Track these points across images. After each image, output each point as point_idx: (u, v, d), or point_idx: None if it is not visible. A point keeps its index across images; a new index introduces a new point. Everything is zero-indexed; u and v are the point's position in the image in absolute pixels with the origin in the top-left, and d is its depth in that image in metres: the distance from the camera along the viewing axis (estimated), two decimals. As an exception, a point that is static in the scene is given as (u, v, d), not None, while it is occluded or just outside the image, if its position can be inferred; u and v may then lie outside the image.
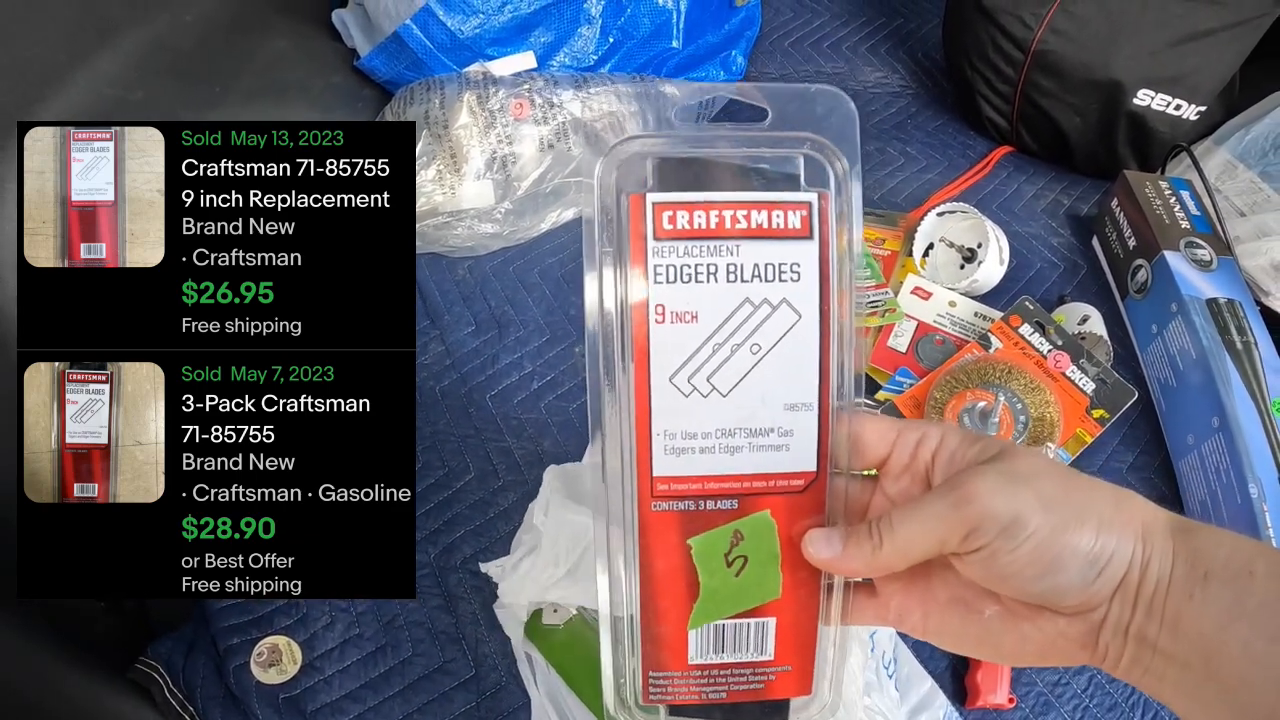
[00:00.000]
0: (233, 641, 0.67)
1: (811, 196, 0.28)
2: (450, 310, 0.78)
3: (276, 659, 0.67)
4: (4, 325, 0.64)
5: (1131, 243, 0.75)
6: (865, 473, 0.31)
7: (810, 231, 0.28)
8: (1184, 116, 0.79)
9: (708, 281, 0.28)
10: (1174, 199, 0.75)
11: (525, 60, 0.78)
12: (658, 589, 0.30)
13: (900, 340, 0.71)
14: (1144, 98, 0.78)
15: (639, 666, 0.31)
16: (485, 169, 0.75)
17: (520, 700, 0.60)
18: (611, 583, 0.31)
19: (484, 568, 0.57)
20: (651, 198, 0.28)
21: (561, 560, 0.51)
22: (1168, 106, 0.79)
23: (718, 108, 0.83)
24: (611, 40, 0.81)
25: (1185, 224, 0.74)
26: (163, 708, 0.65)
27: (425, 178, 0.76)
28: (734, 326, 0.29)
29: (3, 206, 0.69)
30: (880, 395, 0.68)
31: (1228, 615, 0.25)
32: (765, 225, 0.28)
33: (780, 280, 0.28)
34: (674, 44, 0.83)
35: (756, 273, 0.28)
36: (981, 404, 0.66)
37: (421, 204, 0.76)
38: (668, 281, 0.28)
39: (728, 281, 0.28)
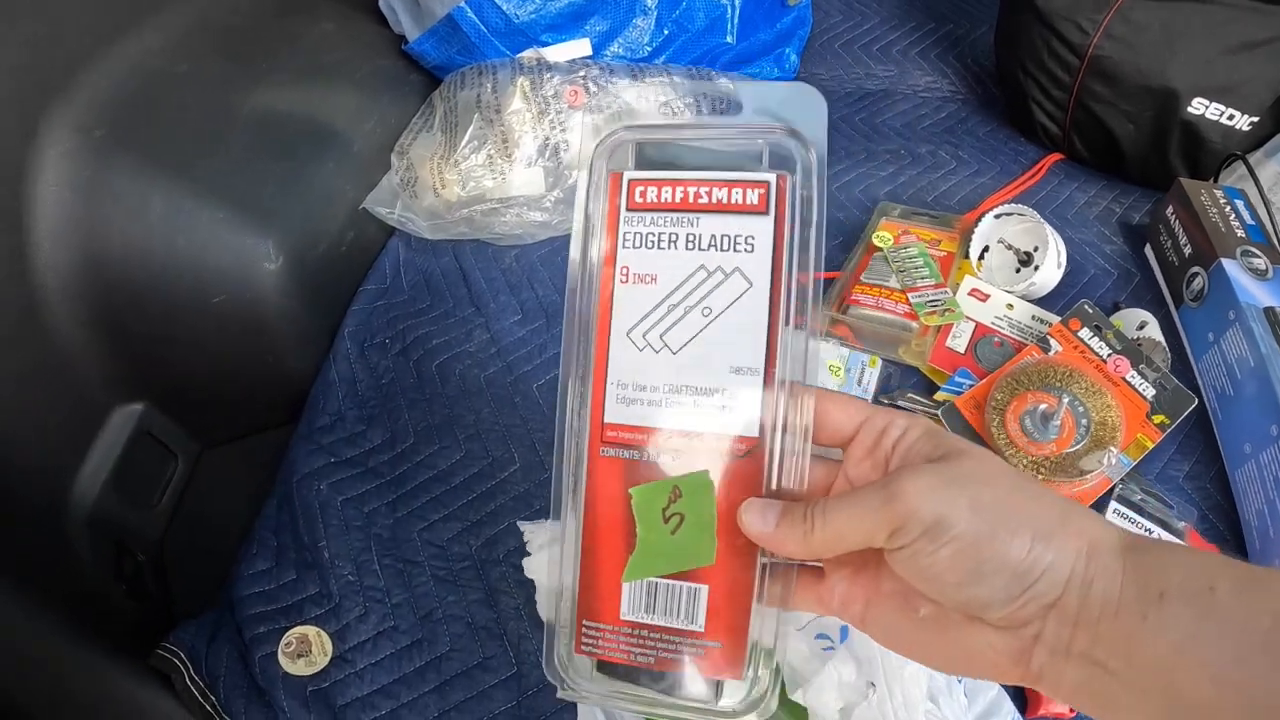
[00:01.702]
0: (259, 630, 0.66)
1: (770, 176, 0.31)
2: (496, 298, 0.77)
3: (305, 650, 0.66)
4: None
5: (1187, 250, 0.76)
6: (830, 455, 0.31)
7: (767, 208, 0.30)
8: (1236, 127, 0.80)
9: (668, 248, 0.31)
10: (1229, 207, 0.76)
11: (581, 47, 0.78)
12: (600, 537, 0.32)
13: (959, 341, 0.71)
14: (1198, 106, 0.80)
15: (575, 615, 0.33)
16: (537, 155, 0.76)
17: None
18: (568, 532, 0.33)
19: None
20: (628, 175, 0.32)
21: None
22: (1221, 116, 0.80)
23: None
24: (666, 33, 0.82)
25: (1240, 232, 0.75)
26: (183, 696, 0.63)
27: (475, 163, 0.76)
28: (689, 290, 0.31)
29: (40, 176, 0.68)
30: (939, 395, 0.68)
31: (1188, 637, 0.24)
32: (725, 201, 0.31)
33: (735, 250, 0.31)
34: (728, 39, 0.84)
35: (713, 243, 0.31)
36: (1043, 406, 0.66)
37: (470, 189, 0.76)
38: (633, 247, 0.32)
39: (686, 249, 0.31)
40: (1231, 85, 0.79)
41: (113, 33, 0.73)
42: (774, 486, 0.30)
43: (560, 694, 0.34)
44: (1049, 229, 0.73)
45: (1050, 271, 0.73)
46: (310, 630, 0.66)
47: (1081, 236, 0.80)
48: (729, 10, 0.83)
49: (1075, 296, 0.76)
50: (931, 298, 0.70)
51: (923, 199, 0.82)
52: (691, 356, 0.31)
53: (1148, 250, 0.81)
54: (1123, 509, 0.64)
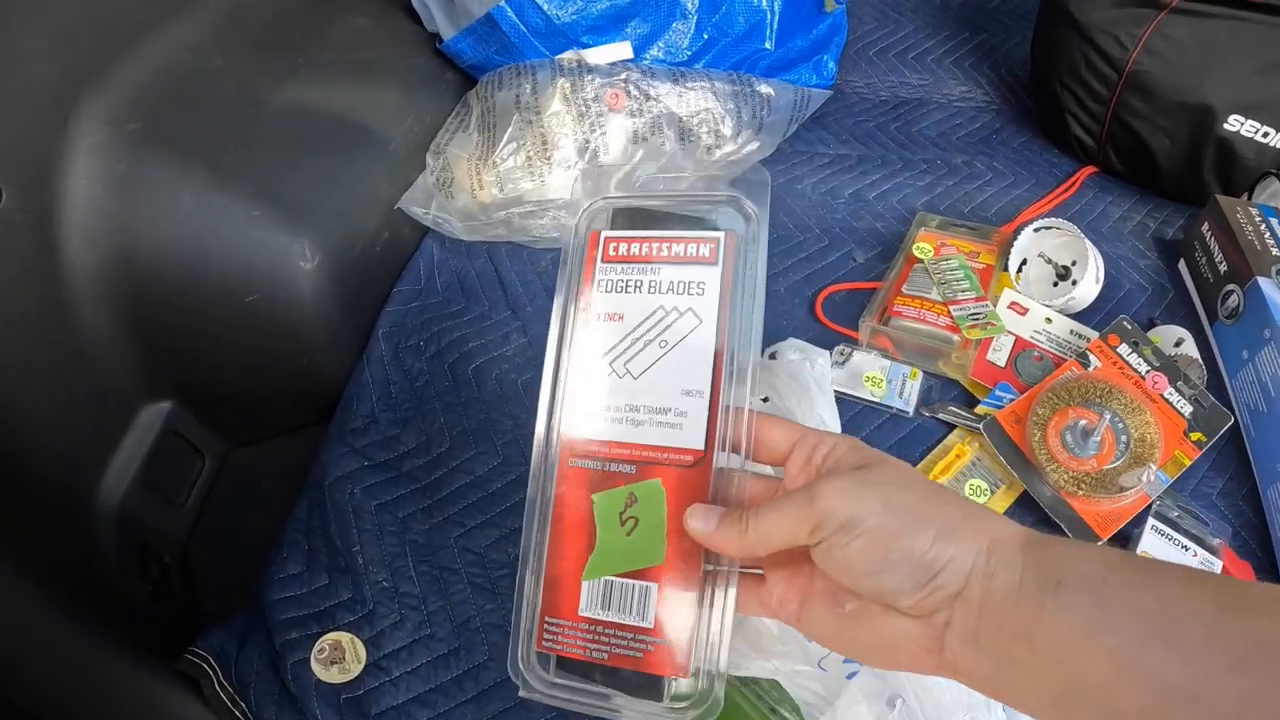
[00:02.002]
0: (291, 636, 0.65)
1: (720, 234, 0.37)
2: (533, 302, 0.77)
3: (339, 656, 0.66)
4: None
5: (1222, 267, 0.76)
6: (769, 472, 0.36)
7: (717, 259, 0.37)
8: (1271, 144, 0.81)
9: (634, 292, 0.38)
10: (1264, 225, 0.77)
11: (622, 50, 0.78)
12: (565, 538, 0.37)
13: (999, 355, 0.72)
14: (1234, 123, 0.81)
15: (539, 613, 0.37)
16: (576, 158, 0.75)
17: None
18: (536, 533, 0.37)
19: None
20: (604, 233, 0.39)
21: None
22: (1256, 133, 0.81)
23: (812, 108, 0.84)
24: (706, 37, 0.82)
25: (1276, 250, 0.75)
26: (211, 701, 0.63)
27: (513, 164, 0.76)
28: (649, 326, 0.38)
29: (71, 169, 0.67)
30: (980, 409, 0.69)
31: (1085, 622, 0.26)
32: (681, 254, 0.38)
33: (689, 294, 0.37)
34: (767, 45, 0.84)
35: (671, 287, 0.37)
36: (1084, 422, 0.66)
37: (507, 191, 0.76)
38: (606, 292, 0.38)
39: (649, 293, 0.38)
40: (1267, 102, 0.80)
41: (146, 25, 0.73)
42: (717, 493, 0.35)
43: (521, 693, 0.37)
44: (1088, 243, 0.74)
45: (1089, 286, 0.74)
46: (344, 636, 0.66)
47: (1116, 251, 0.80)
48: (768, 15, 0.83)
49: (1110, 311, 0.76)
50: (973, 311, 0.71)
51: (959, 210, 0.82)
52: (649, 381, 0.37)
53: (1181, 266, 0.82)
54: (1160, 525, 0.65)
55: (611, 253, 0.39)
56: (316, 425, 0.79)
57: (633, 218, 0.39)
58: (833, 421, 0.52)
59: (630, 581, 0.36)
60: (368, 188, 0.78)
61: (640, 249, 0.38)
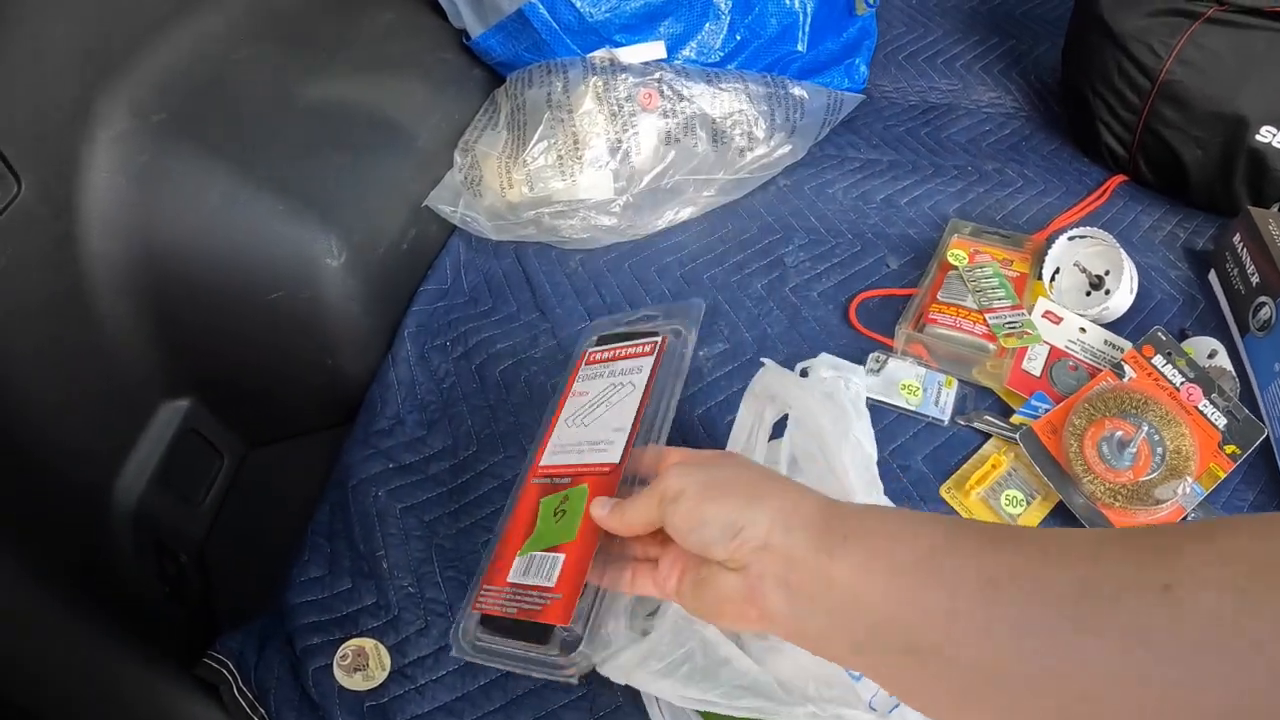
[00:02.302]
0: (313, 641, 0.65)
1: (657, 338, 0.57)
2: (562, 303, 0.77)
3: (362, 663, 0.65)
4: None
5: (1254, 279, 0.77)
6: None
7: (652, 353, 0.56)
8: (1303, 157, 0.81)
9: (597, 379, 0.58)
10: (1296, 238, 0.77)
11: (655, 50, 0.78)
12: (514, 533, 0.51)
13: (1034, 364, 0.72)
14: (1265, 134, 0.81)
15: (479, 583, 0.51)
16: (608, 158, 0.75)
17: None
18: (498, 531, 0.53)
19: None
20: (589, 350, 0.61)
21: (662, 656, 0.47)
22: (1287, 145, 0.81)
23: (844, 112, 0.84)
24: (738, 38, 0.81)
25: (1309, 264, 0.76)
26: (230, 708, 0.62)
27: (544, 163, 0.76)
28: (603, 395, 0.56)
29: (93, 159, 0.66)
30: (1015, 419, 0.69)
31: (862, 564, 0.32)
32: (631, 351, 0.58)
33: (630, 374, 0.56)
34: (799, 47, 0.84)
35: (621, 370, 0.56)
36: (1120, 433, 0.67)
37: (538, 189, 0.75)
38: (583, 379, 0.59)
39: (606, 377, 0.57)
40: None
41: (171, 14, 0.72)
42: (621, 493, 0.47)
43: (453, 653, 0.49)
44: (1123, 253, 0.74)
45: (1124, 296, 0.74)
46: (368, 643, 0.65)
47: (1147, 261, 0.81)
48: (801, 17, 0.82)
49: (1142, 322, 0.77)
50: (1009, 319, 0.71)
51: (991, 217, 0.82)
52: (594, 425, 0.54)
53: (1212, 277, 0.82)
54: (1197, 538, 0.65)
55: (592, 359, 0.60)
56: (337, 426, 0.78)
57: (608, 339, 0.61)
58: (870, 446, 0.52)
59: (547, 554, 0.48)
60: (395, 185, 0.77)
61: (606, 354, 0.59)
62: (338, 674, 0.63)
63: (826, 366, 0.57)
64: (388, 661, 0.64)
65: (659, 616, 0.45)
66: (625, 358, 0.57)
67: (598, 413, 0.55)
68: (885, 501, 0.55)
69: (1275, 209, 0.83)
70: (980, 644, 0.28)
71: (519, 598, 0.47)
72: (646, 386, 0.54)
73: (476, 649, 0.49)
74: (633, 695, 0.58)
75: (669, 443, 0.52)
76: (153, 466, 0.72)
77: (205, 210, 0.70)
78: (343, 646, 0.65)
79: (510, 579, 0.48)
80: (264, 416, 0.78)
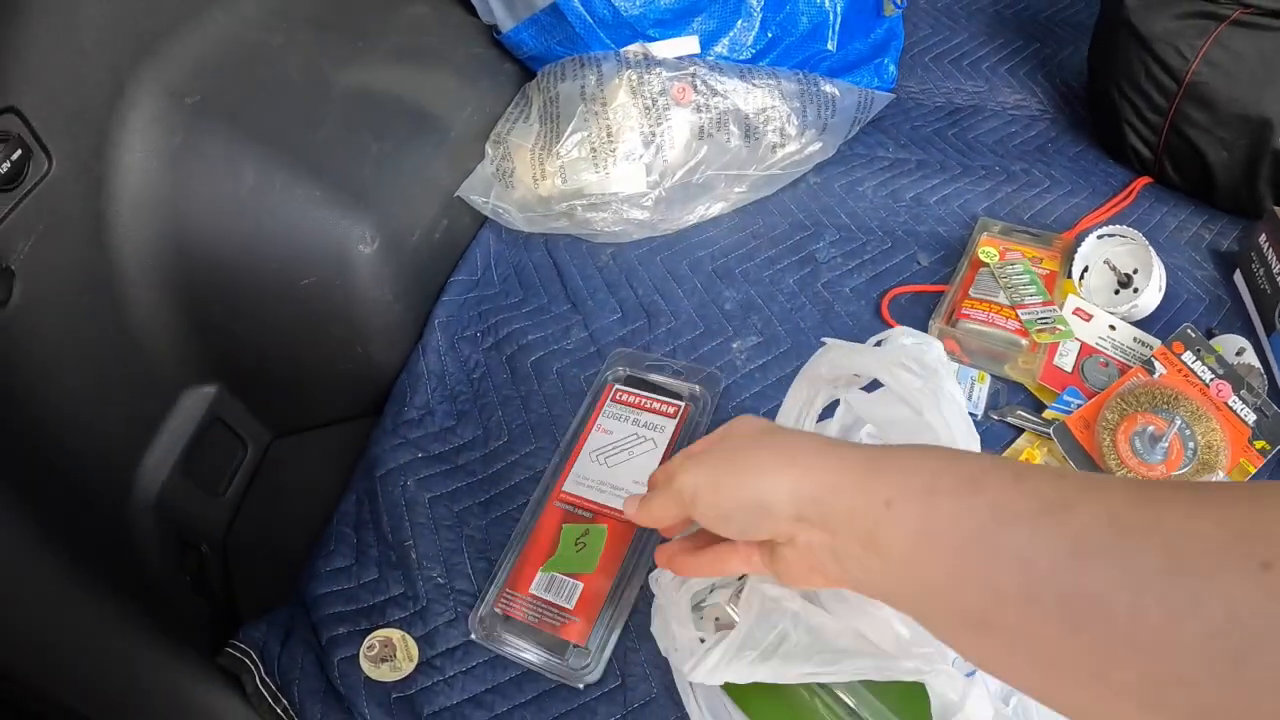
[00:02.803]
0: (338, 631, 0.65)
1: (681, 403, 0.70)
2: (594, 296, 0.78)
3: (390, 654, 0.65)
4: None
5: (1279, 278, 0.79)
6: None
7: (675, 416, 0.69)
8: (1327, 160, 0.84)
9: (623, 421, 0.69)
10: (1321, 239, 0.80)
11: (689, 44, 0.80)
12: (537, 544, 0.64)
13: (1065, 360, 0.73)
14: (1289, 137, 0.83)
15: (502, 585, 0.63)
16: (642, 151, 0.77)
17: (672, 715, 0.58)
18: (519, 537, 0.66)
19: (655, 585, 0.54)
20: (615, 385, 0.72)
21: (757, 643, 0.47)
22: (1311, 148, 0.83)
23: (875, 110, 0.86)
24: (770, 35, 0.84)
25: (1334, 265, 0.78)
26: (253, 699, 0.63)
27: (578, 155, 0.77)
28: (625, 442, 0.68)
29: (125, 139, 0.67)
30: (1048, 414, 0.71)
31: (918, 534, 0.31)
32: (655, 408, 0.70)
33: (652, 430, 0.68)
34: (829, 46, 0.86)
35: (645, 423, 0.69)
36: (1152, 428, 0.68)
37: (570, 183, 0.77)
38: (607, 418, 0.70)
39: (630, 424, 0.69)
40: None
41: None
42: (638, 538, 0.63)
43: (471, 636, 0.61)
44: (1152, 251, 0.76)
45: (1153, 294, 0.76)
46: (395, 634, 0.65)
47: (1173, 261, 0.83)
48: (831, 16, 0.85)
49: (1169, 321, 0.79)
50: (1041, 315, 0.73)
51: (1019, 216, 0.85)
52: (616, 470, 0.67)
53: (1237, 277, 0.84)
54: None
55: (616, 399, 0.71)
56: (364, 417, 0.79)
57: (635, 382, 0.72)
58: (962, 399, 0.51)
59: (567, 579, 0.62)
60: (428, 174, 0.79)
61: (633, 399, 0.70)
62: (364, 665, 0.63)
63: (907, 335, 0.56)
64: (415, 653, 0.64)
65: (742, 606, 0.45)
66: (650, 410, 0.69)
67: (619, 458, 0.67)
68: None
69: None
70: (1060, 622, 0.26)
71: (539, 609, 0.61)
72: (666, 448, 0.67)
73: (494, 640, 0.61)
74: (666, 687, 0.59)
75: None
76: (176, 454, 0.73)
77: (238, 194, 0.71)
78: (369, 637, 0.65)
79: (533, 591, 0.62)
80: (290, 405, 0.79)
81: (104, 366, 0.68)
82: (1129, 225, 0.86)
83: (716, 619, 0.53)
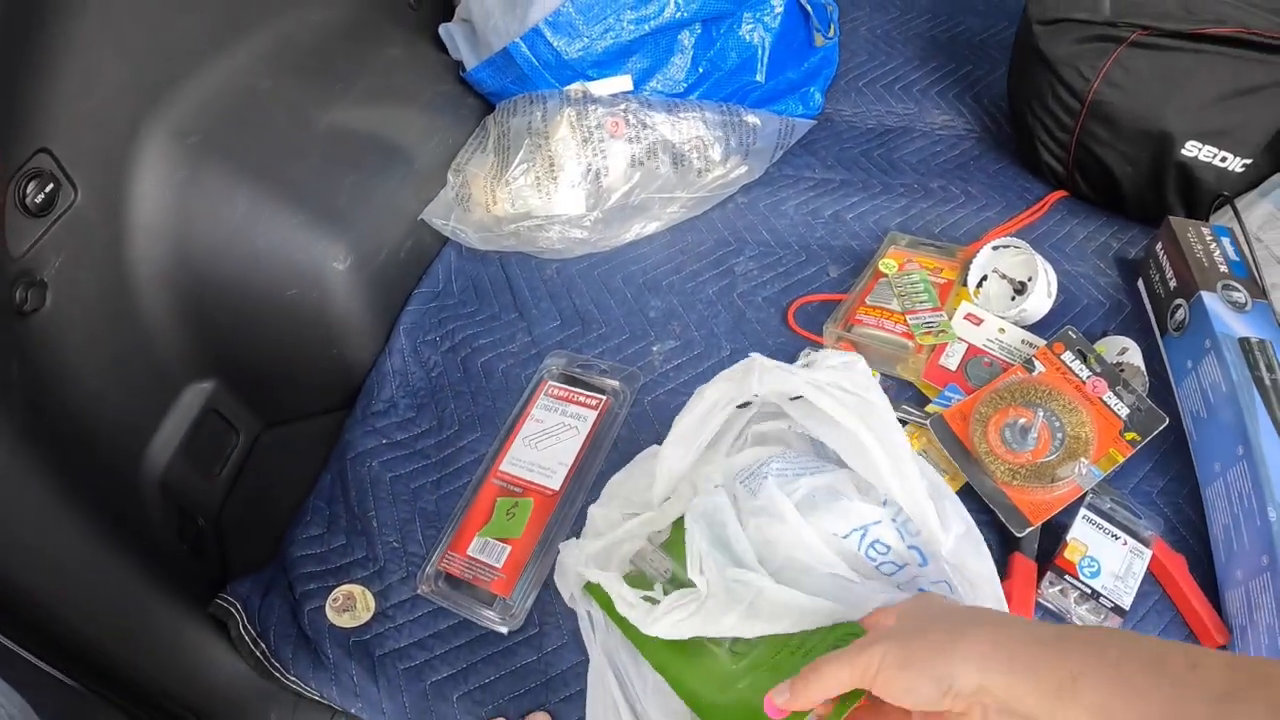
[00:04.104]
0: (309, 587, 0.81)
1: (603, 397, 0.87)
2: (538, 305, 0.94)
3: (351, 605, 0.81)
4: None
5: (1172, 284, 0.90)
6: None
7: (596, 408, 0.86)
8: (1230, 169, 0.93)
9: (552, 412, 0.87)
10: (1214, 244, 0.90)
11: (623, 83, 0.96)
12: (476, 514, 0.81)
13: (951, 360, 0.86)
14: (1191, 149, 0.93)
15: (444, 547, 0.79)
16: (580, 179, 0.93)
17: (578, 656, 0.72)
18: (460, 511, 0.82)
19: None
20: (549, 383, 0.90)
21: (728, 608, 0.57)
22: (1214, 158, 0.93)
23: (796, 136, 1.01)
24: (701, 70, 0.99)
25: (1224, 268, 0.88)
26: (236, 642, 0.78)
27: (524, 183, 0.94)
28: (554, 429, 0.85)
29: (139, 173, 0.85)
30: (929, 409, 0.84)
31: (1103, 710, 0.36)
32: (580, 401, 0.87)
33: (576, 419, 0.86)
34: (758, 78, 1.01)
35: (571, 413, 0.86)
36: (1021, 420, 0.81)
37: (518, 206, 0.93)
38: (540, 408, 0.87)
39: (559, 415, 0.86)
40: (1225, 129, 0.91)
41: (205, 49, 0.88)
42: (557, 514, 0.81)
43: (419, 590, 0.78)
44: (1040, 260, 0.88)
45: (1039, 300, 0.88)
46: (356, 589, 0.81)
47: (1078, 269, 0.95)
48: (759, 51, 1.00)
49: (1070, 323, 0.90)
50: (928, 320, 0.86)
51: (931, 230, 0.98)
52: (543, 452, 0.84)
53: (1139, 283, 0.96)
54: (1091, 516, 0.78)
55: (549, 392, 0.87)
56: (340, 410, 0.96)
57: (565, 379, 0.89)
58: (889, 412, 0.61)
59: (498, 543, 0.78)
60: (396, 200, 0.96)
61: (563, 393, 0.87)
62: (329, 614, 0.80)
63: (833, 358, 0.65)
64: (373, 604, 0.80)
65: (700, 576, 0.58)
66: (576, 403, 0.86)
67: (547, 443, 0.84)
68: (924, 464, 0.64)
69: (1207, 218, 0.96)
70: None
71: (474, 568, 0.77)
72: (587, 435, 0.84)
73: (437, 594, 0.77)
74: (574, 633, 0.73)
75: (601, 468, 0.80)
76: (179, 440, 0.89)
77: (233, 219, 0.88)
78: (334, 591, 0.81)
79: (469, 552, 0.78)
80: (277, 398, 0.97)
81: (120, 364, 0.83)
82: (1039, 236, 0.98)
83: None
